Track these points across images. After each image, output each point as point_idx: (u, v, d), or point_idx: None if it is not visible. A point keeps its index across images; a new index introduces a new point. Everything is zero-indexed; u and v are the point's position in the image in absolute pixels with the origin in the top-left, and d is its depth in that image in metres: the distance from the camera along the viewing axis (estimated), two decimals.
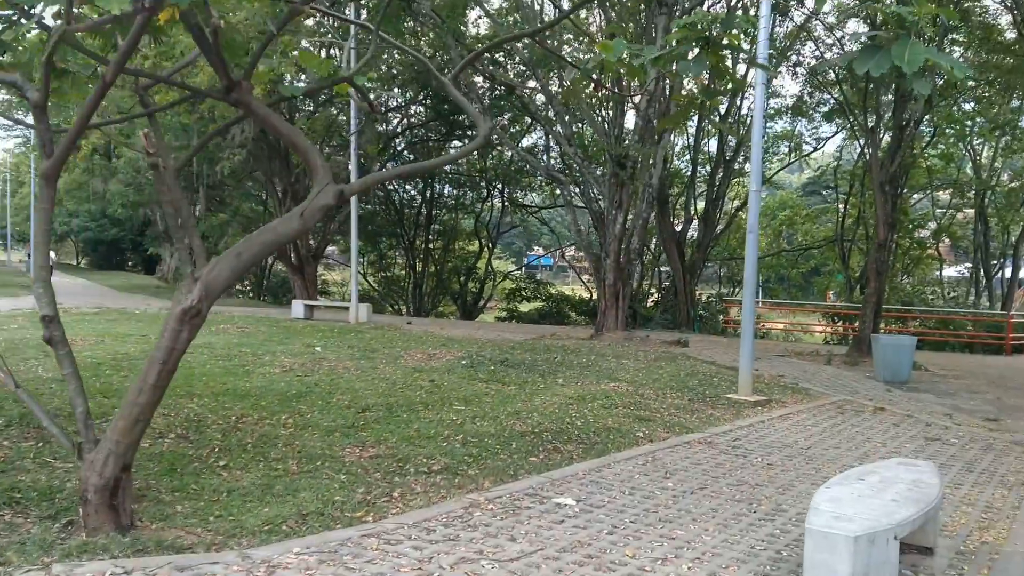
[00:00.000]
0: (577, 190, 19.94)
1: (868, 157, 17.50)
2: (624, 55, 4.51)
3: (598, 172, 18.11)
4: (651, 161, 17.53)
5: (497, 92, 22.36)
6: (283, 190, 26.84)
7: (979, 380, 14.89)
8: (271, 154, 25.22)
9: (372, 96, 27.39)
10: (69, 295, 25.83)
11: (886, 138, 18.28)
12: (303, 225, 5.19)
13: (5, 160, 62.77)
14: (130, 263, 60.44)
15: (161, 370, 4.71)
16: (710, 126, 23.27)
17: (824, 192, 39.45)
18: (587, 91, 16.78)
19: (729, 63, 19.14)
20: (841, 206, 30.10)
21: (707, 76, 4.75)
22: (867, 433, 9.17)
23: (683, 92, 14.00)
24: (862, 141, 20.15)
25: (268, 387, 9.38)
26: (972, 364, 18.21)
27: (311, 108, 25.49)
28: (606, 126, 18.26)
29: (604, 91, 11.26)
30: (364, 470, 6.42)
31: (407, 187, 36.97)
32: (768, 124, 32.73)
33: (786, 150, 31.42)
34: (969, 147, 29.01)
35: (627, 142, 17.07)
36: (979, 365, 17.99)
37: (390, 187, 36.43)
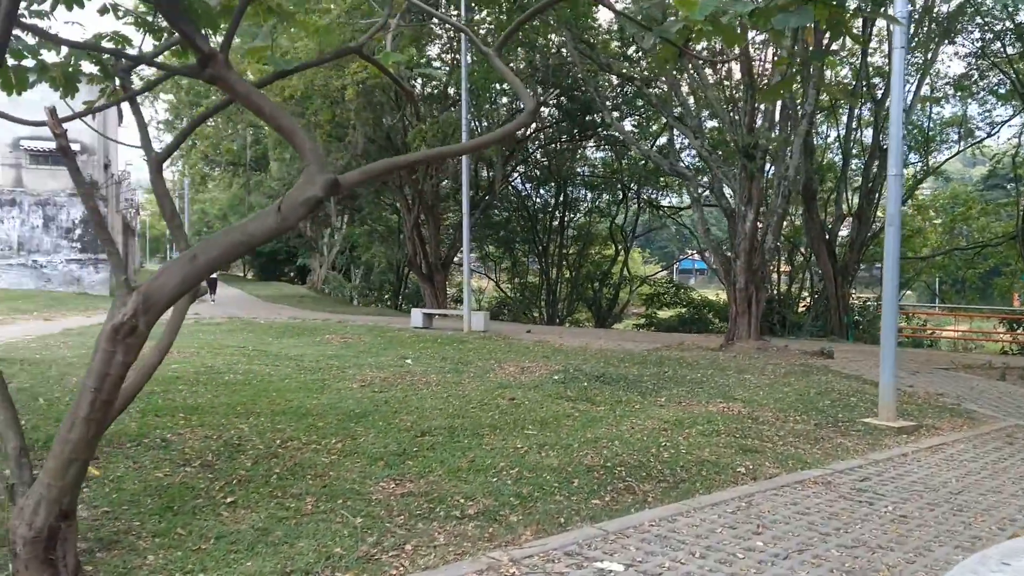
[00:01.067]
0: (707, 186, 18.31)
1: None
2: (711, 10, 3.37)
3: (727, 165, 16.39)
4: (787, 151, 15.71)
5: (627, 88, 21.02)
6: (412, 196, 26.67)
7: None
8: (380, 155, 25.05)
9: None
10: (216, 306, 26.84)
11: None
12: (281, 222, 4.27)
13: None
14: (290, 273, 63.35)
15: (94, 400, 3.94)
16: (854, 106, 20.85)
17: (1008, 186, 35.13)
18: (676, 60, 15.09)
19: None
20: (1023, 198, 26.48)
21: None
22: None
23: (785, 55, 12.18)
24: None
25: (335, 405, 8.67)
26: None
27: (435, 112, 25.11)
28: (732, 114, 16.53)
29: (694, 57, 9.85)
30: (388, 511, 5.47)
31: (541, 191, 36.25)
32: (935, 109, 29.51)
33: (956, 137, 28.01)
34: None
35: (757, 130, 15.33)
36: None
37: (523, 191, 35.85)
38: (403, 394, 9.44)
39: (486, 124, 27.67)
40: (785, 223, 32.13)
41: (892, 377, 9.03)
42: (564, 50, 20.36)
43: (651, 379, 11.08)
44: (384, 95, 23.47)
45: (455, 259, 34.83)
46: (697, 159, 23.17)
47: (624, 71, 16.21)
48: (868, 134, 24.48)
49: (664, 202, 35.94)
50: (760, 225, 16.03)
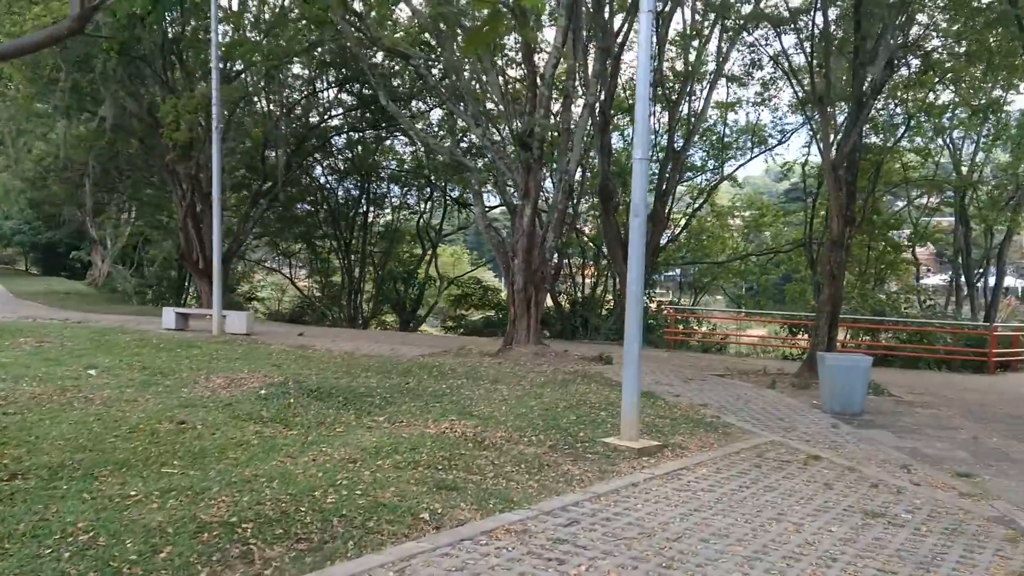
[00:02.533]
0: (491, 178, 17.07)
1: (818, 134, 14.72)
2: None
3: (512, 155, 15.15)
4: (569, 143, 14.69)
5: (392, 64, 19.40)
6: (185, 181, 23.79)
7: (953, 409, 12.08)
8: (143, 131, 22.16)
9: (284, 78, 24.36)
10: None
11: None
12: None
13: None
14: (72, 267, 57.17)
15: None
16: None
17: (809, 200, 36.74)
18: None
19: None
20: (811, 206, 27.40)
21: None
22: (782, 504, 6.30)
23: None
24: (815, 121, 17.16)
25: None
26: (948, 386, 15.41)
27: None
28: (516, 103, 15.38)
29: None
30: None
31: (346, 185, 34.08)
32: (730, 117, 30.08)
33: (750, 145, 28.61)
34: (948, 141, 26.35)
35: (532, 118, 14.16)
36: (956, 387, 15.19)
37: (326, 184, 33.57)
38: (37, 417, 7.31)
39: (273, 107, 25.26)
40: (590, 225, 32.07)
41: (636, 393, 7.92)
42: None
43: (385, 393, 9.51)
44: (146, 65, 20.68)
45: (245, 254, 32.12)
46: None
47: (398, 47, 14.60)
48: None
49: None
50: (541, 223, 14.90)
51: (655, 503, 6.12)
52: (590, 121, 14.96)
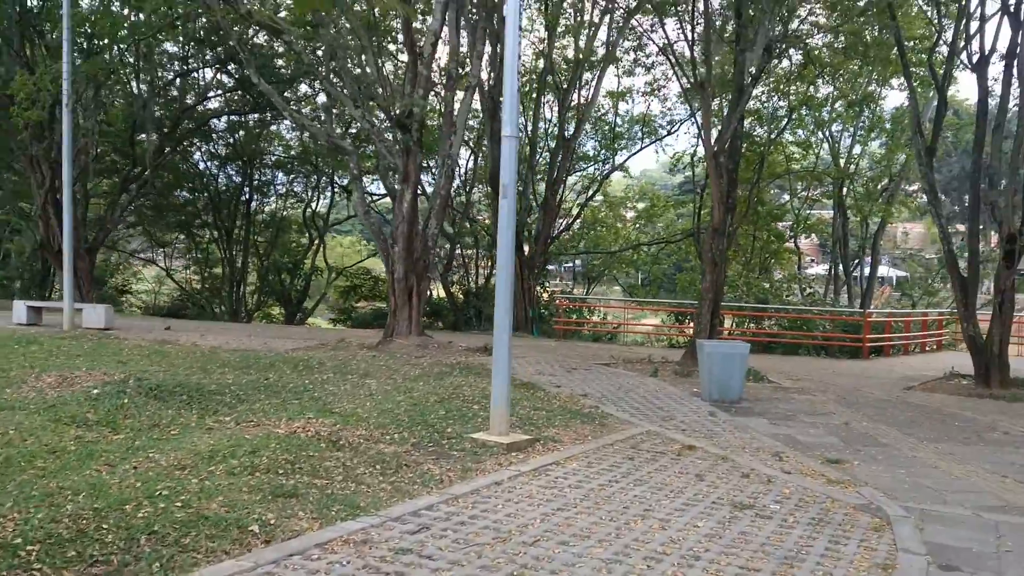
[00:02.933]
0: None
1: (699, 120, 14.70)
2: None
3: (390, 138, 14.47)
4: (451, 126, 14.15)
5: (275, 42, 18.43)
6: (43, 163, 22.00)
7: (828, 394, 12.22)
8: None
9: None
10: None
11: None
12: None
13: None
14: None
15: None
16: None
17: (698, 190, 37.32)
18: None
19: None
20: (699, 196, 27.78)
21: None
22: (651, 499, 5.98)
23: None
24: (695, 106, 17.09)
25: None
26: (825, 371, 15.72)
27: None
28: (394, 79, 14.71)
29: None
30: None
31: (228, 171, 32.49)
32: (622, 108, 30.22)
33: (640, 135, 28.77)
34: (828, 134, 27.19)
35: (409, 97, 13.55)
36: (832, 372, 15.51)
37: (207, 170, 31.92)
38: None
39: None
40: (486, 214, 31.61)
41: (505, 383, 7.49)
42: None
43: (239, 390, 8.77)
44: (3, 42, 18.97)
45: (117, 243, 30.21)
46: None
47: (270, 21, 13.67)
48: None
49: (372, 188, 33.76)
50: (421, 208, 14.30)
51: (516, 503, 5.69)
52: (474, 104, 14.42)
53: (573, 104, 23.27)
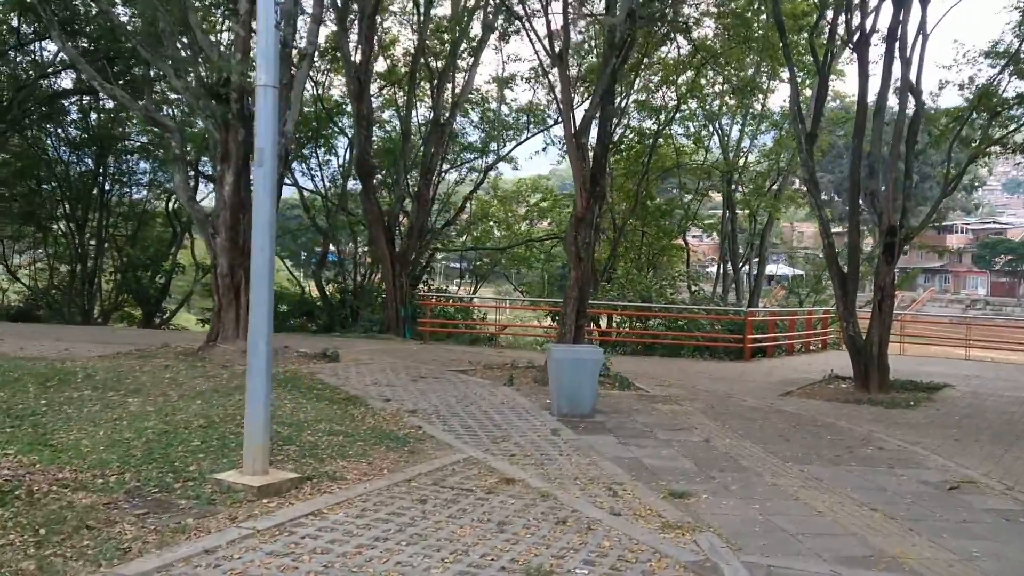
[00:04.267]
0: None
1: (558, 96, 13.32)
2: None
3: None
4: (287, 101, 12.32)
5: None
6: None
7: (697, 403, 11.00)
8: None
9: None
10: None
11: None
12: None
13: None
14: None
15: None
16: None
17: None
18: None
19: None
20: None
21: None
22: (418, 566, 4.44)
23: None
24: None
25: None
26: (702, 375, 14.61)
27: None
28: (221, 47, 12.80)
29: None
30: None
31: (83, 158, 29.54)
32: (509, 96, 28.83)
33: (528, 123, 27.38)
34: (718, 126, 26.47)
35: (225, 62, 11.66)
36: (709, 376, 14.40)
37: (59, 157, 28.91)
38: None
39: None
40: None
41: (262, 405, 5.83)
42: None
43: None
44: None
45: None
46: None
47: None
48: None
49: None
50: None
51: None
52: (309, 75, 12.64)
53: (448, 88, 21.68)
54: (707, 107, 26.12)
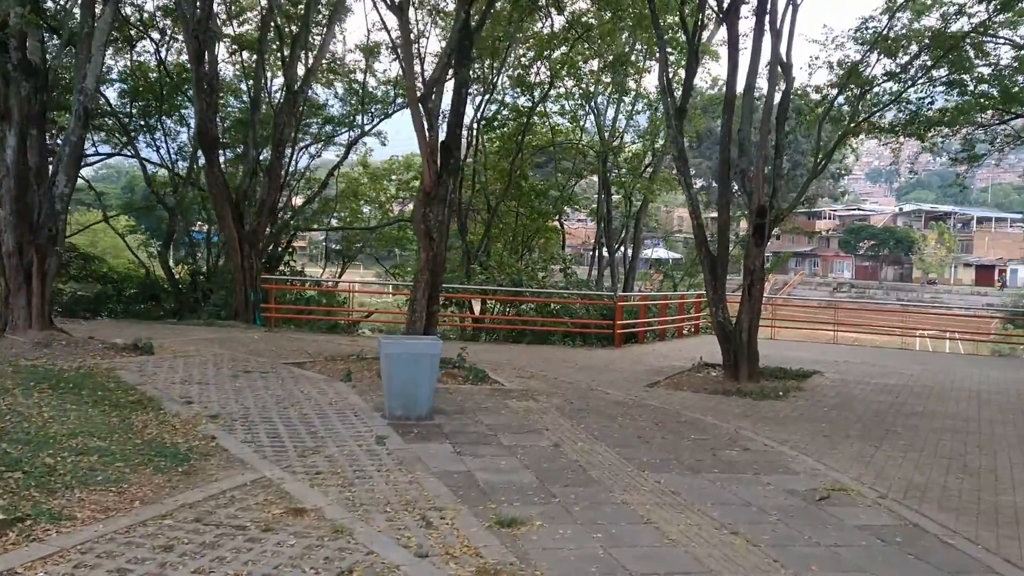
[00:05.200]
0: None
1: (399, 50, 11.96)
2: None
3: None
4: (86, 53, 10.47)
5: None
6: None
7: (556, 397, 9.98)
8: None
9: None
10: None
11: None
12: None
13: None
14: None
15: None
16: None
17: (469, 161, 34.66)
18: None
19: None
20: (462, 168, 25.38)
21: None
22: None
23: None
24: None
25: None
26: (567, 364, 13.66)
27: None
28: None
29: None
30: None
31: None
32: (378, 67, 27.11)
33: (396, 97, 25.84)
34: (594, 105, 25.68)
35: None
36: (575, 366, 13.47)
37: None
38: None
39: None
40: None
41: None
42: None
43: None
44: None
45: None
46: None
47: None
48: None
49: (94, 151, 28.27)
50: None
51: None
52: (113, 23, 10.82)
53: (301, 54, 19.89)
54: (583, 85, 25.30)
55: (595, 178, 27.94)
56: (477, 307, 21.04)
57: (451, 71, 11.77)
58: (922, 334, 29.79)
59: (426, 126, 10.59)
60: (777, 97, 12.51)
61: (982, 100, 16.78)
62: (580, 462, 6.84)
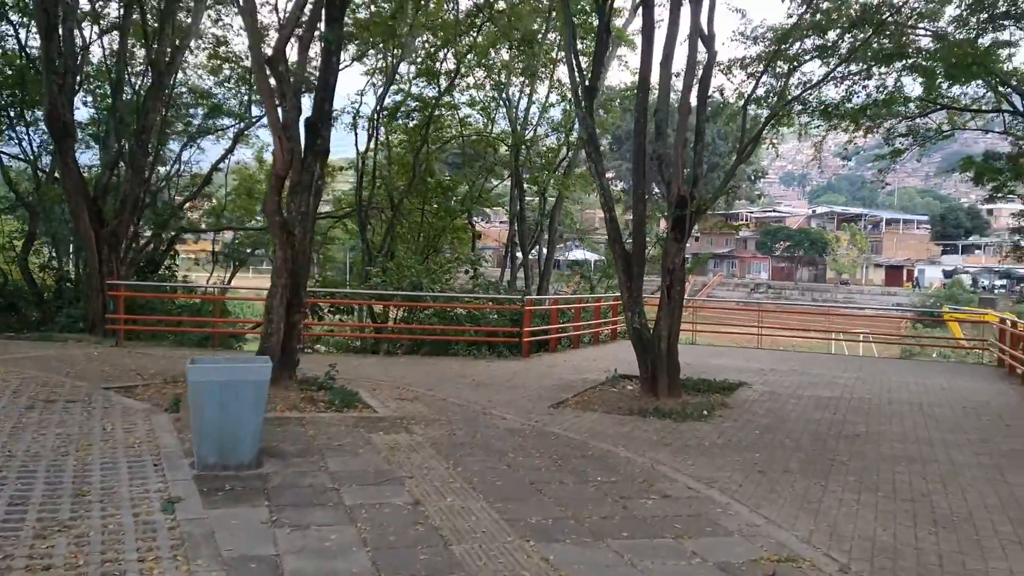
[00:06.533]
0: None
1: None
2: None
3: None
4: None
5: None
6: None
7: (436, 427, 8.16)
8: None
9: None
10: None
11: None
12: None
13: None
14: None
15: None
16: None
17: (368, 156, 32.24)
18: None
19: None
20: (360, 162, 23.34)
21: None
22: None
23: None
24: None
25: None
26: (463, 381, 11.84)
27: None
28: None
29: None
30: None
31: None
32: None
33: None
34: (505, 96, 23.97)
35: None
36: (471, 382, 11.65)
37: None
38: None
39: None
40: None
41: None
42: None
43: None
44: None
45: None
46: None
47: None
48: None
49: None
50: None
51: None
52: None
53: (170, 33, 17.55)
54: (494, 75, 23.59)
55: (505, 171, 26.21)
56: (395, 314, 18.95)
57: (317, 32, 9.83)
58: (838, 336, 29.12)
59: (277, 97, 8.62)
60: (699, 74, 11.00)
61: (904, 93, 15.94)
62: (444, 530, 5.02)
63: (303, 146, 9.56)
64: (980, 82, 16.82)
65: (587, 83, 11.40)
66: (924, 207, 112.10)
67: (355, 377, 11.29)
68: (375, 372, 12.13)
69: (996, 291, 66.49)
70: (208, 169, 24.05)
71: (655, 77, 10.97)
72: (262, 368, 6.22)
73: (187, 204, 24.09)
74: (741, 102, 12.54)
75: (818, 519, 5.67)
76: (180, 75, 21.12)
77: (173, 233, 23.32)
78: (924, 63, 14.98)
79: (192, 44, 20.02)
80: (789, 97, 12.06)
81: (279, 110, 8.73)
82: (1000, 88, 17.20)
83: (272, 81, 8.66)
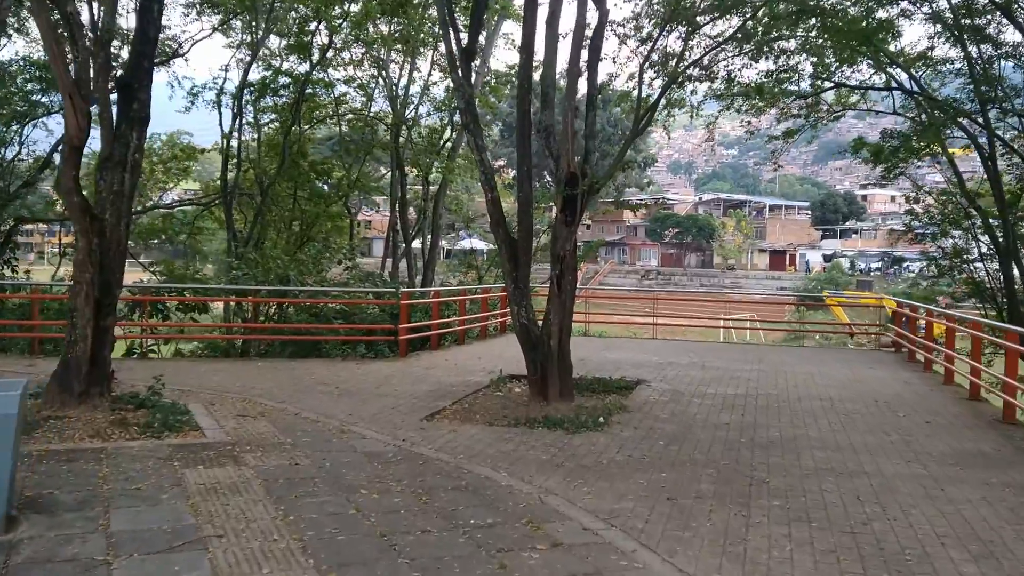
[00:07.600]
0: None
1: None
2: None
3: None
4: None
5: None
6: None
7: (275, 454, 6.62)
8: None
9: None
10: None
11: None
12: None
13: None
14: None
15: None
16: None
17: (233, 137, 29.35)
18: None
19: None
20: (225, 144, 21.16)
21: None
22: None
23: None
24: None
25: None
26: (323, 388, 10.27)
27: None
28: None
29: None
30: None
31: None
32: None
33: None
34: (386, 75, 22.29)
35: None
36: (332, 390, 10.09)
37: None
38: None
39: None
40: None
41: None
42: None
43: None
44: None
45: None
46: None
47: None
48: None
49: None
50: None
51: None
52: None
53: None
54: (372, 51, 21.87)
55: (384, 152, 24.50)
56: (273, 311, 16.89)
57: None
58: (728, 324, 28.91)
59: (68, 44, 6.83)
60: (589, 35, 9.76)
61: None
62: None
63: (115, 113, 7.79)
64: (869, 61, 16.46)
65: (464, 45, 9.99)
66: (804, 194, 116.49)
67: (196, 388, 9.60)
68: (223, 380, 10.41)
69: (872, 273, 69.19)
70: (48, 150, 21.31)
71: (541, 40, 9.71)
72: (7, 398, 4.54)
73: (22, 188, 21.26)
74: (636, 69, 11.37)
75: (747, 569, 4.48)
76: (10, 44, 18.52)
77: (13, 223, 20.68)
78: (817, 40, 14.37)
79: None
80: (688, 61, 10.99)
81: (69, 62, 6.92)
82: (889, 69, 16.89)
83: (60, 24, 6.86)
